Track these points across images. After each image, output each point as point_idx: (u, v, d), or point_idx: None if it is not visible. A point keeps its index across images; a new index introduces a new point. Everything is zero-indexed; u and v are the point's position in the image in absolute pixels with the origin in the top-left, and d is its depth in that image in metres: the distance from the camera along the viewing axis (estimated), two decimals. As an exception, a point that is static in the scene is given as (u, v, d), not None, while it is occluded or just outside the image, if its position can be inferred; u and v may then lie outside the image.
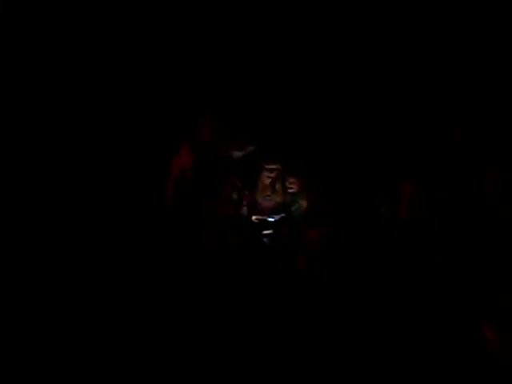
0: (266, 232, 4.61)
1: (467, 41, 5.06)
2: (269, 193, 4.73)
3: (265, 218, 4.63)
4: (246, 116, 5.19)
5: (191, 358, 3.83)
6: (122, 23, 5.29)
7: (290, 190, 4.72)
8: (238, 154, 4.96)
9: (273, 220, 4.62)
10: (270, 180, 4.70)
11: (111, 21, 5.28)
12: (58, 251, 4.49)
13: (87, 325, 4.00)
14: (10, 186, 4.83)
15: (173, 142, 4.93)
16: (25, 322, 3.96)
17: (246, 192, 4.77)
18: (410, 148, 4.88)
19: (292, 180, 4.72)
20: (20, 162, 5.02)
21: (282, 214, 4.64)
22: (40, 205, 4.80)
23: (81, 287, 4.26)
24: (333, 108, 5.25)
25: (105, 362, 3.76)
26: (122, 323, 4.03)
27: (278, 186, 4.73)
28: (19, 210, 4.73)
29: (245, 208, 4.73)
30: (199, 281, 4.31)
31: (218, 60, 5.36)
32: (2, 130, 5.07)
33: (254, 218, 4.67)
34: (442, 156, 4.73)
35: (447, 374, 3.56)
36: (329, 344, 3.94)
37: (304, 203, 4.70)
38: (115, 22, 5.28)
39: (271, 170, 4.69)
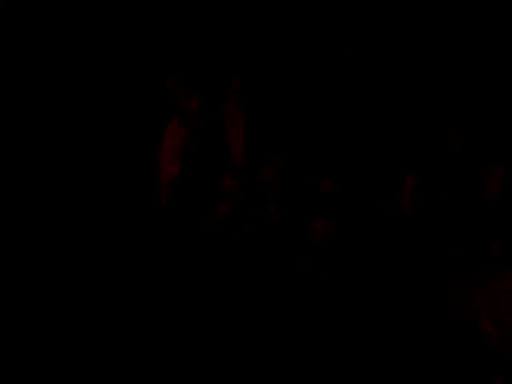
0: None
1: (467, 39, 5.06)
2: (269, 185, 4.71)
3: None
4: (248, 108, 5.14)
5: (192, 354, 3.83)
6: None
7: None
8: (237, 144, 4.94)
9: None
10: (271, 172, 4.69)
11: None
12: (50, 248, 4.45)
13: (84, 321, 3.98)
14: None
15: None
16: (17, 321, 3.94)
17: (247, 184, 4.75)
18: (412, 143, 4.86)
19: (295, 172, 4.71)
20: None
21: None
22: (26, 202, 4.75)
23: (78, 282, 4.24)
24: (335, 101, 5.23)
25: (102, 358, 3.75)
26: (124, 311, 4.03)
27: (279, 178, 4.71)
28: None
29: (244, 200, 4.71)
30: (194, 274, 4.27)
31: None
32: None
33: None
34: (443, 153, 4.71)
35: (447, 368, 3.56)
36: (331, 342, 3.93)
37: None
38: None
39: (272, 162, 4.68)
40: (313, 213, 4.55)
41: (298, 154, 4.86)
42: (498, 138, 4.62)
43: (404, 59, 5.18)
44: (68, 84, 5.15)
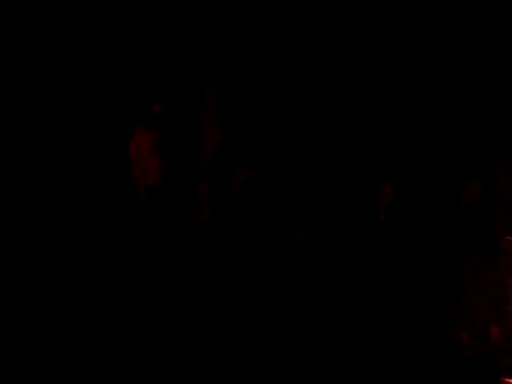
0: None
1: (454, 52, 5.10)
2: (246, 193, 4.69)
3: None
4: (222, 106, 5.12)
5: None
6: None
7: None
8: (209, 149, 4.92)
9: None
10: (245, 179, 4.68)
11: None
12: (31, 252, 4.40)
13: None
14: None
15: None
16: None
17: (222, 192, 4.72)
18: (391, 151, 4.90)
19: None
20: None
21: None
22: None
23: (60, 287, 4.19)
24: (313, 110, 5.22)
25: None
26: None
27: (256, 186, 4.69)
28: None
29: (221, 210, 4.67)
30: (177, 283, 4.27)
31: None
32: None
33: None
34: (421, 161, 4.74)
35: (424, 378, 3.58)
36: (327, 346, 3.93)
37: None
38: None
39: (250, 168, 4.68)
40: (293, 223, 4.57)
41: (277, 164, 4.86)
42: (478, 150, 4.67)
43: (383, 69, 5.20)
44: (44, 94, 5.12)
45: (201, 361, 3.77)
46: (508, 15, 4.89)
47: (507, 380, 3.43)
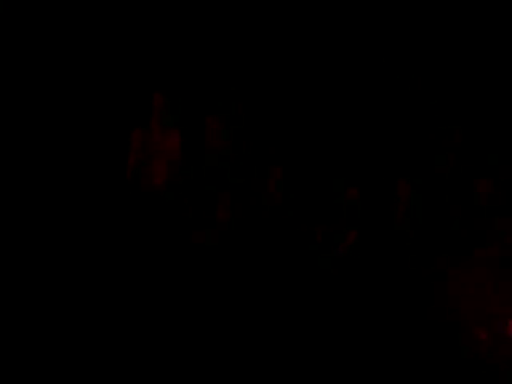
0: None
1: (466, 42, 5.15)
2: (270, 197, 4.70)
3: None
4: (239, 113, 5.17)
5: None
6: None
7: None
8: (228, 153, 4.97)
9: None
10: (270, 183, 4.72)
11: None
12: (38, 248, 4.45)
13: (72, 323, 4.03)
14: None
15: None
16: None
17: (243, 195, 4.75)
18: (409, 152, 4.99)
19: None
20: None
21: None
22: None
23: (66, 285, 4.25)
24: (332, 111, 5.29)
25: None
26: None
27: (279, 189, 4.73)
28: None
29: (242, 213, 4.70)
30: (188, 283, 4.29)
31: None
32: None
33: None
34: (437, 162, 4.85)
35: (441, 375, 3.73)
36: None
37: None
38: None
39: (272, 172, 4.71)
40: (317, 222, 4.62)
41: (298, 165, 4.94)
42: (491, 152, 4.77)
43: (401, 69, 5.25)
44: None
45: (214, 360, 3.86)
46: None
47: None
